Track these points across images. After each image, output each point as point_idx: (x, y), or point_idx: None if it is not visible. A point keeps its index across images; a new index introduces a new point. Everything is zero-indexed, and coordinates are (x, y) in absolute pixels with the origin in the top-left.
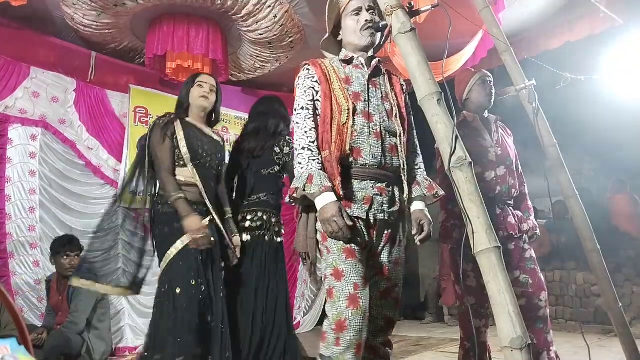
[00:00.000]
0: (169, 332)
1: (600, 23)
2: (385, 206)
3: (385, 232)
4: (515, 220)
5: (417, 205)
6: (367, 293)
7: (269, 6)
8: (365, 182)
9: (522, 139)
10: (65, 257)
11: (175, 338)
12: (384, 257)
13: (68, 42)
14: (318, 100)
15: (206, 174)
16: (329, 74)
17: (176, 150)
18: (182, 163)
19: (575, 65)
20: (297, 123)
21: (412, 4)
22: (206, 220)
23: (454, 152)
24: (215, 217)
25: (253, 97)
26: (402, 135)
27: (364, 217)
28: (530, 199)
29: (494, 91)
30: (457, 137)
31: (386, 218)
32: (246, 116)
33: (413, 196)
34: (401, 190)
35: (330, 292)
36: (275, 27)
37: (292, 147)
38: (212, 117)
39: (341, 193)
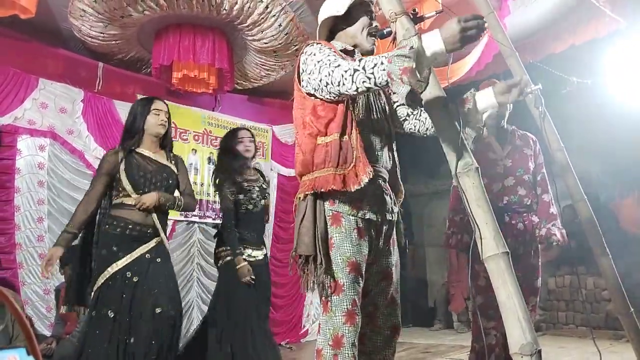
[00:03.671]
0: (84, 352)
1: (605, 25)
2: (392, 206)
3: (391, 234)
4: (526, 227)
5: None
6: (359, 309)
7: (274, 15)
8: (376, 179)
9: None
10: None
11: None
12: (389, 260)
13: (75, 53)
14: None
15: None
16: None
17: (119, 182)
18: (125, 194)
19: (581, 68)
20: (339, 65)
21: (417, 10)
22: (57, 252)
23: (460, 157)
24: (165, 239)
25: (259, 105)
26: (393, 134)
27: (375, 219)
28: None
29: (497, 115)
30: (463, 142)
31: (392, 219)
32: (252, 124)
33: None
34: (396, 192)
35: (325, 305)
36: (280, 36)
37: None
38: (163, 141)
39: (363, 182)
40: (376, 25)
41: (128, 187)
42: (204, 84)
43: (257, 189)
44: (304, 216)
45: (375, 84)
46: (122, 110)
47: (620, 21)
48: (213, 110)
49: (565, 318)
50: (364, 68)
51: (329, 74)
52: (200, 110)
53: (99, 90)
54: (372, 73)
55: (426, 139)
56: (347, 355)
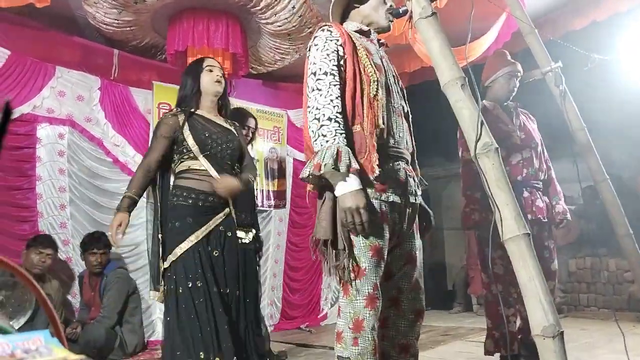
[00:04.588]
0: (178, 333)
1: (627, 0)
2: (416, 188)
3: (414, 217)
4: (544, 204)
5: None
6: (381, 293)
7: None
8: (398, 162)
9: (549, 122)
10: (92, 254)
11: (185, 337)
12: (413, 244)
13: (91, 40)
14: (342, 65)
15: (220, 164)
16: (353, 39)
17: (184, 143)
18: (192, 156)
19: (603, 45)
20: (319, 90)
21: None
22: (125, 218)
23: (479, 138)
24: (232, 209)
25: (274, 89)
26: (410, 116)
27: (399, 202)
28: (560, 184)
29: (517, 87)
30: (482, 123)
31: (416, 202)
32: (267, 109)
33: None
34: (416, 175)
35: (346, 288)
36: (293, 18)
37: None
38: (221, 103)
39: (377, 172)
40: (391, 5)
41: (195, 147)
42: None
43: None
44: (324, 201)
45: (313, 142)
46: (139, 97)
47: None
48: (228, 95)
49: (586, 300)
50: (322, 125)
51: (309, 91)
52: None
53: (115, 78)
54: (317, 136)
55: (445, 119)
56: (367, 338)
